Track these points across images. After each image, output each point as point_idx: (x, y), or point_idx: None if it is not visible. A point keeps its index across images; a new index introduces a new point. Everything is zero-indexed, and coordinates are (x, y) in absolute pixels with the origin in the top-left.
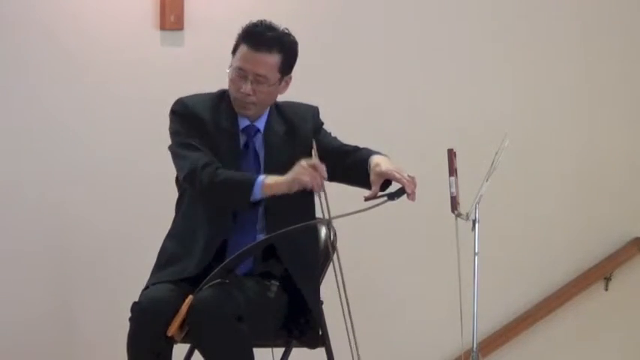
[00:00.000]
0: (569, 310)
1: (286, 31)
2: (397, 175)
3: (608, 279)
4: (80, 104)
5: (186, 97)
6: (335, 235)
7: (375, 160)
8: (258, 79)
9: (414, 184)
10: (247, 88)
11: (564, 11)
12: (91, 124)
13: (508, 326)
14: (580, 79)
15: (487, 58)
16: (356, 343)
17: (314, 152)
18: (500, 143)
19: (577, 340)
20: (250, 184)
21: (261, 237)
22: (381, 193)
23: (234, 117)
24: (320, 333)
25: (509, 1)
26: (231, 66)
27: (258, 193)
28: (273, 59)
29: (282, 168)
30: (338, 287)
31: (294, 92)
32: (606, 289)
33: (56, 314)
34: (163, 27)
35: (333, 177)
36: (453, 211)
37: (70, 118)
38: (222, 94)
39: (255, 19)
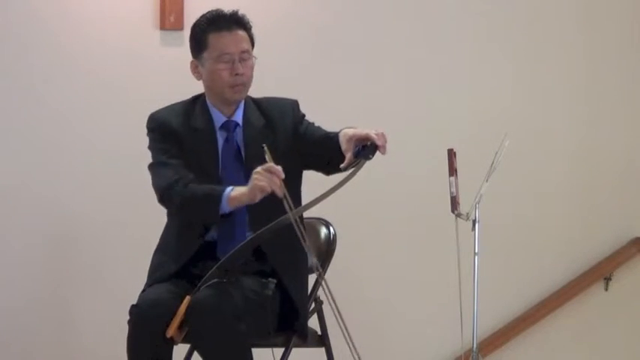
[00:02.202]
0: (569, 310)
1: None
2: (364, 132)
3: (608, 279)
4: (80, 103)
5: (156, 111)
6: (335, 235)
7: (343, 132)
8: (243, 57)
9: (384, 138)
10: (240, 68)
11: (564, 11)
12: (91, 123)
13: (508, 326)
14: (580, 78)
15: (487, 58)
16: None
17: (267, 157)
18: (500, 143)
19: (577, 340)
20: (217, 200)
21: (249, 234)
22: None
23: (208, 116)
24: (319, 333)
25: (509, 0)
26: (203, 63)
27: (225, 207)
28: (245, 34)
29: (263, 162)
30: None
31: (294, 92)
32: (606, 289)
33: (56, 316)
34: (163, 27)
35: (322, 166)
36: (453, 211)
37: (70, 117)
38: (196, 99)
39: (254, 18)
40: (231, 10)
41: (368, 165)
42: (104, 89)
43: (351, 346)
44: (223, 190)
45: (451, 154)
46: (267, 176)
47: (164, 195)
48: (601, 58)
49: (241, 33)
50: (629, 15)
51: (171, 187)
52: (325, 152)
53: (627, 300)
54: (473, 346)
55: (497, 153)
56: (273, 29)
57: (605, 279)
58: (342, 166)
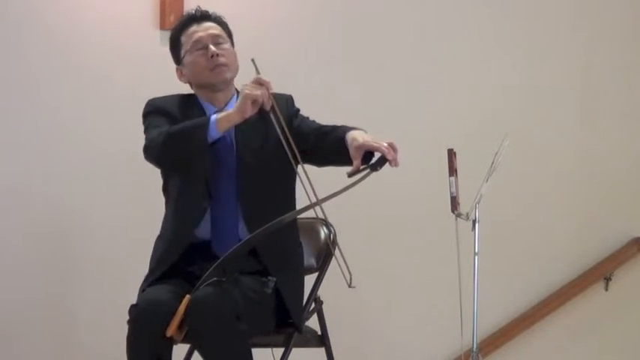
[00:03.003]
0: (569, 310)
1: None
2: (375, 145)
3: (608, 279)
4: (80, 103)
5: (153, 98)
6: (335, 234)
7: (351, 135)
8: (217, 40)
9: (395, 150)
10: (214, 49)
11: (565, 10)
12: (91, 123)
13: (508, 326)
14: (580, 78)
15: (487, 58)
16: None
17: (256, 69)
18: (500, 143)
19: (577, 340)
20: (204, 124)
21: (241, 226)
22: (363, 167)
23: (201, 108)
24: (319, 333)
25: (509, 0)
26: (184, 64)
27: (214, 131)
28: (215, 24)
29: (255, 154)
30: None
31: (293, 91)
32: (606, 289)
33: (56, 316)
34: (163, 27)
35: (317, 160)
36: (453, 211)
37: (70, 117)
38: (190, 95)
39: (254, 19)
40: (199, 12)
41: None
42: (104, 89)
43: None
44: (209, 116)
45: (451, 154)
46: (257, 87)
47: (149, 145)
48: (601, 58)
49: (210, 24)
50: (630, 15)
51: (156, 135)
52: (321, 145)
53: (627, 300)
54: (473, 346)
55: (497, 153)
56: (273, 29)
57: (605, 279)
58: (348, 172)
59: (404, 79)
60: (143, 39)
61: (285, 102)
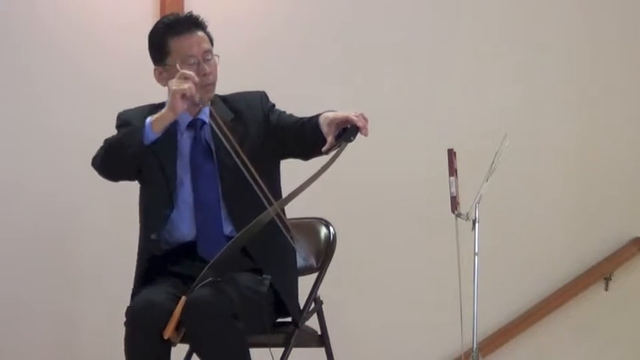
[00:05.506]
0: (569, 310)
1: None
2: (344, 115)
3: (608, 279)
4: (79, 103)
5: (124, 110)
6: (334, 235)
7: (323, 116)
8: (206, 57)
9: (365, 119)
10: (206, 68)
11: (565, 10)
12: (90, 123)
13: (508, 326)
14: (580, 78)
15: (487, 58)
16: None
17: (178, 66)
18: (500, 143)
19: (577, 340)
20: (139, 128)
21: (229, 227)
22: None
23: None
24: (319, 333)
25: (509, 1)
26: (168, 69)
27: (150, 133)
28: (204, 34)
29: (234, 156)
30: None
31: (292, 91)
32: (606, 289)
33: (55, 317)
34: None
35: (301, 152)
36: (453, 211)
37: (69, 117)
38: (162, 103)
39: (254, 19)
40: (186, 13)
41: (367, 165)
42: (103, 89)
43: None
44: (144, 121)
45: (451, 154)
46: (183, 81)
47: (94, 157)
48: (602, 58)
49: (200, 33)
50: (631, 14)
51: (100, 148)
52: (302, 137)
53: (627, 300)
54: (473, 346)
55: (497, 153)
56: (273, 29)
57: (605, 279)
58: (323, 149)
59: (404, 79)
60: (143, 39)
61: (260, 99)
